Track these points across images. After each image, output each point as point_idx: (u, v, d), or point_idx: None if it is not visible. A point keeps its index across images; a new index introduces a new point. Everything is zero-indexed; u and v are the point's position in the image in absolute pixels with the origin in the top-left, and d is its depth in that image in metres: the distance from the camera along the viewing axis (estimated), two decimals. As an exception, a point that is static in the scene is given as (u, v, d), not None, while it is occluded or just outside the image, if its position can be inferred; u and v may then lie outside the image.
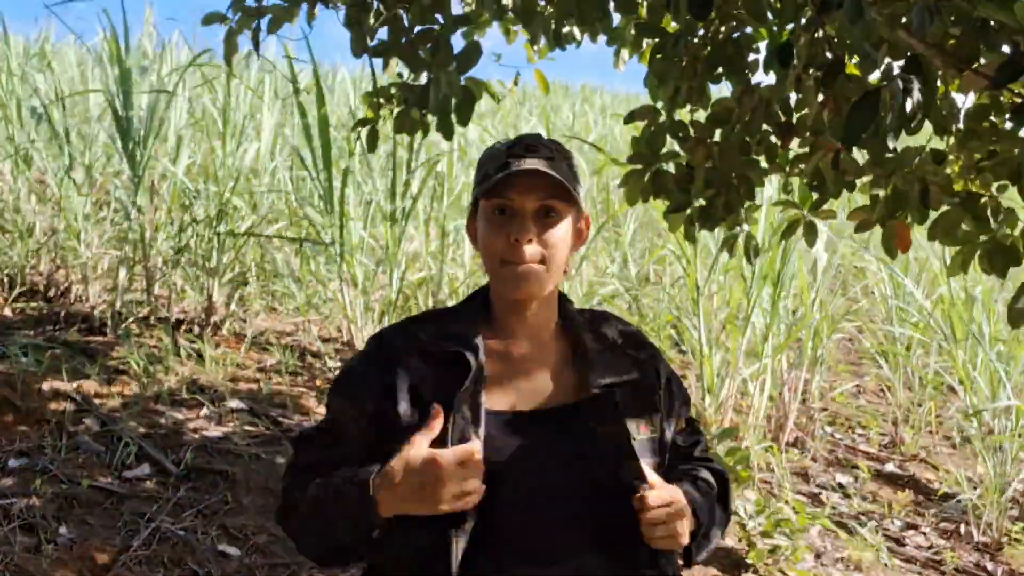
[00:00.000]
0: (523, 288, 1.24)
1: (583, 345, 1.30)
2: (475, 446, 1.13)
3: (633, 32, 3.30)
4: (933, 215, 2.48)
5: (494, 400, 1.23)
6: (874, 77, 2.28)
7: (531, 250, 1.21)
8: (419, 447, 1.14)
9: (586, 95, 12.37)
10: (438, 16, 2.63)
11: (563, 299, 1.36)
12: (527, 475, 1.20)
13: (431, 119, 2.80)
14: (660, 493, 1.18)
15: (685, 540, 1.23)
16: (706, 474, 1.37)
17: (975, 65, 1.96)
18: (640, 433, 1.25)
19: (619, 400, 1.24)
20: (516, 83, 3.18)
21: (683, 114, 2.69)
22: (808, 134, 2.58)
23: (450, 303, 5.21)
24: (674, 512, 1.19)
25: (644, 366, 1.33)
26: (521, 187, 1.21)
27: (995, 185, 2.40)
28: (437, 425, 1.17)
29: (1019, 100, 2.07)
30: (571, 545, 1.18)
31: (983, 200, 2.39)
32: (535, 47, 3.25)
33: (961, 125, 2.37)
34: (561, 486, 1.20)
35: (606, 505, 1.20)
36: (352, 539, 1.19)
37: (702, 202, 2.74)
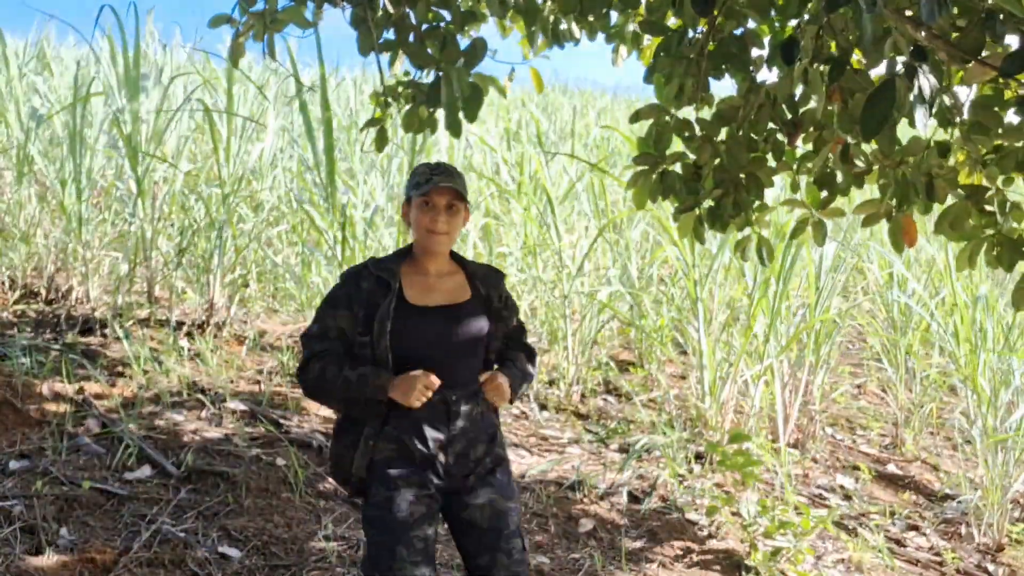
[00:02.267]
0: (438, 246, 2.23)
1: (469, 274, 2.32)
2: (434, 379, 2.11)
3: (632, 29, 3.30)
4: (939, 208, 2.48)
5: (416, 299, 2.21)
6: (876, 72, 2.28)
7: (442, 226, 2.20)
8: (418, 375, 2.11)
9: (586, 97, 12.38)
10: (444, 13, 2.64)
11: (453, 254, 2.34)
12: (436, 338, 2.20)
13: (439, 117, 2.80)
14: (494, 379, 2.24)
15: (507, 397, 2.27)
16: (521, 360, 2.37)
17: (981, 56, 1.96)
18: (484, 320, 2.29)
19: (481, 305, 2.29)
20: (511, 79, 3.18)
21: (688, 112, 2.69)
22: (813, 129, 2.58)
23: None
24: (499, 386, 2.24)
25: (493, 290, 2.33)
26: (438, 192, 2.19)
27: (1000, 179, 2.40)
28: (434, 379, 2.12)
29: (1022, 93, 2.07)
30: (457, 374, 2.20)
31: (989, 194, 2.39)
32: (532, 46, 3.26)
33: (966, 117, 2.37)
34: (450, 344, 2.22)
35: (464, 353, 2.25)
36: (361, 401, 2.17)
37: (711, 202, 2.73)
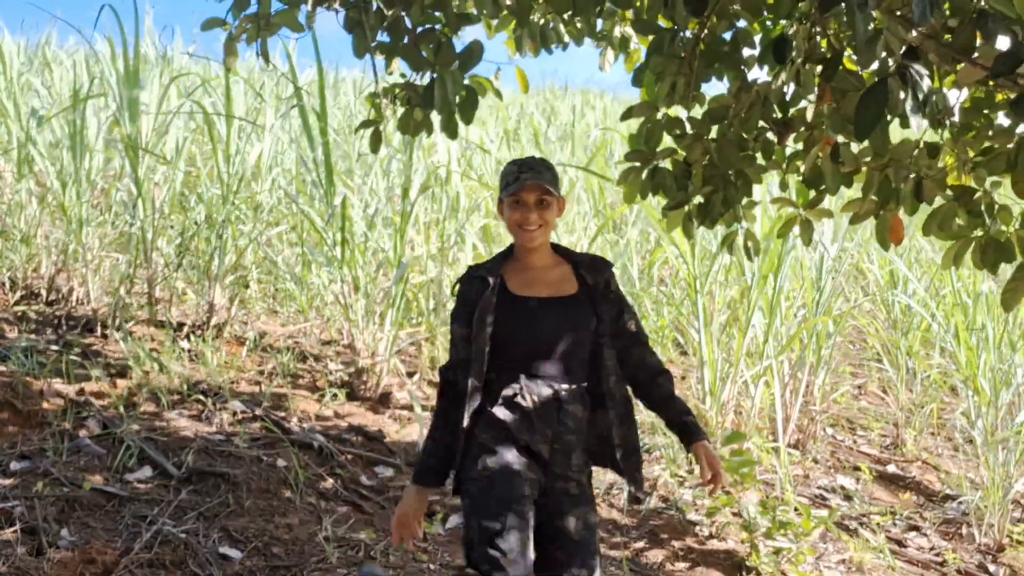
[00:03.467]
0: (531, 242, 2.27)
1: (574, 264, 2.35)
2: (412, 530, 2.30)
3: (619, 33, 3.32)
4: (927, 209, 2.50)
5: (519, 290, 2.26)
6: (869, 71, 2.29)
7: (534, 221, 2.24)
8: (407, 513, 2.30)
9: (587, 98, 12.37)
10: (439, 15, 2.64)
11: (554, 245, 2.40)
12: (540, 331, 2.23)
13: (435, 119, 2.80)
14: (716, 474, 2.27)
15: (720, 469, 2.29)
16: (679, 401, 2.35)
17: (972, 56, 1.97)
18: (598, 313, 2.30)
19: (588, 296, 2.30)
20: (496, 78, 3.18)
21: (679, 111, 2.71)
22: (803, 129, 2.59)
23: (451, 305, 5.21)
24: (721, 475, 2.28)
25: (599, 277, 2.35)
26: (526, 190, 2.24)
27: (988, 180, 2.41)
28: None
29: (1014, 95, 2.07)
30: (553, 369, 2.23)
31: (977, 195, 2.40)
32: (519, 48, 3.27)
33: (956, 119, 2.38)
34: (559, 336, 2.24)
35: (574, 347, 2.26)
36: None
37: (700, 199, 2.75)
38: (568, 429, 2.22)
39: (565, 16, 3.07)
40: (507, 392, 2.20)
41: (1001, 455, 4.12)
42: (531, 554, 2.10)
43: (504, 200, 2.28)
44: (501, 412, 2.19)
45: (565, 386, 2.22)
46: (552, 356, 2.22)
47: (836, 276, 5.03)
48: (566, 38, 3.21)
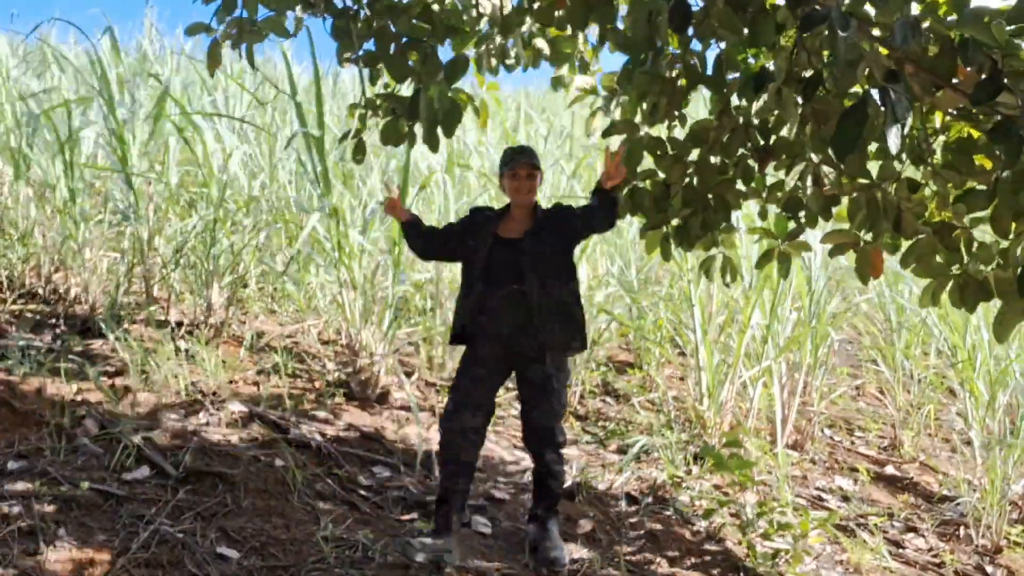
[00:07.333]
0: (524, 204, 3.22)
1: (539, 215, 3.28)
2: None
3: (578, 61, 3.57)
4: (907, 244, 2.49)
5: (507, 232, 3.23)
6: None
7: (527, 189, 3.20)
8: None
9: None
10: (426, 26, 2.65)
11: (537, 205, 3.29)
12: (518, 259, 3.18)
13: (418, 130, 2.81)
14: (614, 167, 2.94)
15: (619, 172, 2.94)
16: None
17: (953, 82, 1.98)
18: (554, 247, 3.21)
19: (545, 235, 3.20)
20: (465, 107, 3.31)
21: (660, 130, 2.71)
22: (785, 157, 2.59)
23: (449, 304, 5.22)
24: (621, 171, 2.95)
25: (553, 215, 3.25)
26: (520, 167, 3.17)
27: (967, 217, 2.39)
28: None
29: (992, 124, 2.07)
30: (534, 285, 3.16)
31: (956, 232, 2.38)
32: (480, 68, 3.53)
33: (939, 157, 2.37)
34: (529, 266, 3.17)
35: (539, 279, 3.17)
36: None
37: (678, 221, 2.75)
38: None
39: (524, 38, 3.46)
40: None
41: (999, 457, 4.12)
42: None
43: (504, 174, 3.22)
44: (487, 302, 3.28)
45: (533, 291, 3.17)
46: (525, 275, 3.18)
47: (833, 275, 5.03)
48: (524, 59, 3.53)
